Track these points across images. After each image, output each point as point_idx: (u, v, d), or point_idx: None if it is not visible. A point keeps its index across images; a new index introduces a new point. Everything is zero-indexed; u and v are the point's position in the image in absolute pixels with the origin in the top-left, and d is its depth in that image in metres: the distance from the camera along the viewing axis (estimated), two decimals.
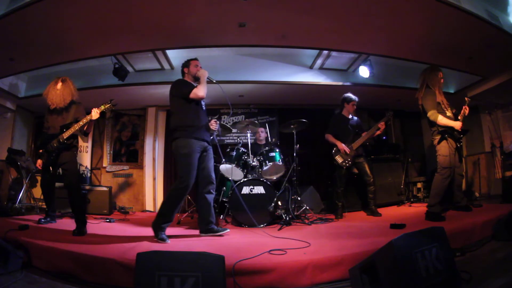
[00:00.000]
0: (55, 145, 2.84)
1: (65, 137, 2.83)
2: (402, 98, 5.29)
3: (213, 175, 2.77)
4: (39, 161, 3.00)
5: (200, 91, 2.63)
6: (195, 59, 2.89)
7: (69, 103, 2.96)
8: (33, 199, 4.56)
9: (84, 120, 2.81)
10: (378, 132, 3.75)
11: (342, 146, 3.70)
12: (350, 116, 3.93)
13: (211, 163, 2.78)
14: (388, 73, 4.81)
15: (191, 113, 2.67)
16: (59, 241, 2.30)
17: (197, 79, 2.78)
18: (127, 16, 3.03)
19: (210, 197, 2.74)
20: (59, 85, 2.96)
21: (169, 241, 2.44)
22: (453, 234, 2.15)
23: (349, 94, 3.94)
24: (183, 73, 2.87)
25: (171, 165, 5.64)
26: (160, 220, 2.50)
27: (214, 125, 2.82)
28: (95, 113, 2.79)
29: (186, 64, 2.87)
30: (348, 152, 3.70)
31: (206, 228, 2.71)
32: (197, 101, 2.72)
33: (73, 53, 3.70)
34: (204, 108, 2.85)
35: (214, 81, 2.86)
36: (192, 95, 2.63)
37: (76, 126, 2.82)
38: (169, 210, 2.55)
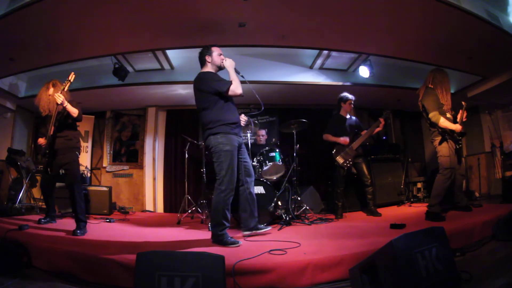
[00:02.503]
0: (47, 145, 2.83)
1: (50, 134, 2.79)
2: (402, 98, 5.29)
3: (251, 166, 2.66)
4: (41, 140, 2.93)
5: (238, 88, 2.42)
6: (216, 45, 2.62)
7: (63, 107, 2.90)
8: (33, 199, 4.56)
9: (57, 111, 2.75)
10: (378, 129, 3.73)
11: (342, 139, 3.69)
12: (348, 116, 3.92)
13: (247, 155, 2.69)
14: (388, 73, 4.81)
15: (228, 109, 2.48)
16: (59, 241, 2.30)
17: (220, 69, 2.60)
18: (127, 16, 3.02)
19: (253, 192, 2.62)
20: (51, 90, 2.91)
21: (241, 242, 2.29)
22: (453, 234, 2.14)
23: (345, 93, 3.92)
24: (204, 61, 2.58)
25: (171, 165, 5.65)
26: (217, 230, 2.33)
27: (243, 119, 2.72)
28: (57, 97, 2.66)
29: (207, 51, 2.56)
30: (348, 151, 3.69)
31: (252, 226, 2.57)
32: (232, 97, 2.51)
33: (73, 53, 3.70)
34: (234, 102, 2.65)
35: (240, 74, 2.58)
36: (230, 93, 2.42)
37: (53, 120, 2.77)
38: (222, 216, 2.34)
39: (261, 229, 2.62)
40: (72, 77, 2.77)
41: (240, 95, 2.46)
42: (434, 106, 2.96)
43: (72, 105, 2.82)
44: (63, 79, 2.97)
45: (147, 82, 4.65)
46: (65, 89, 2.74)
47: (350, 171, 3.91)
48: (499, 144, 4.79)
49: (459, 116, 3.05)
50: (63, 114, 2.84)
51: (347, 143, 3.69)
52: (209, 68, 2.59)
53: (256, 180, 3.42)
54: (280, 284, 1.69)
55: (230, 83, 2.45)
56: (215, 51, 2.58)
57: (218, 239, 2.32)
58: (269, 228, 2.74)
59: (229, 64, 2.53)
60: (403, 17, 3.10)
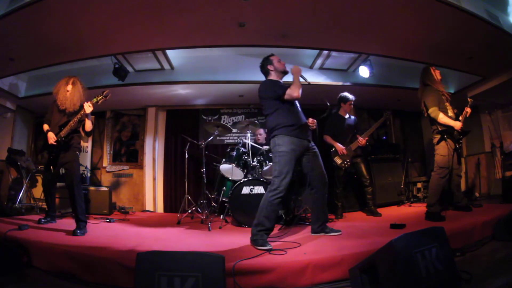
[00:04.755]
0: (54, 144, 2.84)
1: (62, 135, 2.81)
2: (402, 98, 5.29)
3: (325, 174, 2.63)
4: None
5: (295, 91, 2.44)
6: (273, 54, 2.70)
7: (79, 108, 2.88)
8: (33, 199, 4.56)
9: (79, 116, 2.76)
10: (361, 143, 3.72)
11: (340, 147, 3.69)
12: (347, 116, 3.92)
13: (320, 161, 2.65)
14: (388, 73, 4.81)
15: (288, 112, 2.50)
16: (59, 241, 2.30)
17: (284, 73, 2.66)
18: (127, 16, 3.02)
19: (324, 197, 2.63)
20: (69, 87, 2.90)
21: (271, 246, 2.15)
22: (453, 234, 2.15)
23: (346, 94, 3.92)
24: (267, 71, 2.67)
25: (171, 165, 5.64)
26: (256, 229, 2.27)
27: (311, 123, 2.66)
28: (87, 107, 2.70)
29: (268, 61, 2.66)
30: (346, 153, 3.69)
31: (320, 228, 2.61)
32: (292, 101, 2.55)
33: (73, 53, 3.69)
34: (299, 106, 2.67)
35: (308, 82, 2.59)
36: (286, 97, 2.46)
37: (71, 123, 2.79)
38: (263, 216, 2.29)
39: (329, 232, 2.61)
40: (108, 95, 2.79)
41: (296, 98, 2.49)
42: (434, 102, 2.97)
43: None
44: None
45: (147, 82, 4.65)
46: (93, 102, 2.74)
47: (350, 171, 3.91)
48: (499, 144, 4.79)
49: (462, 113, 3.04)
50: (80, 121, 2.84)
51: (343, 152, 3.68)
52: (272, 76, 2.66)
53: (256, 180, 3.43)
54: (280, 284, 1.69)
55: (287, 87, 2.49)
56: (275, 59, 2.67)
57: (252, 239, 2.26)
58: (339, 232, 2.62)
59: (295, 70, 2.55)
60: (403, 17, 3.11)
